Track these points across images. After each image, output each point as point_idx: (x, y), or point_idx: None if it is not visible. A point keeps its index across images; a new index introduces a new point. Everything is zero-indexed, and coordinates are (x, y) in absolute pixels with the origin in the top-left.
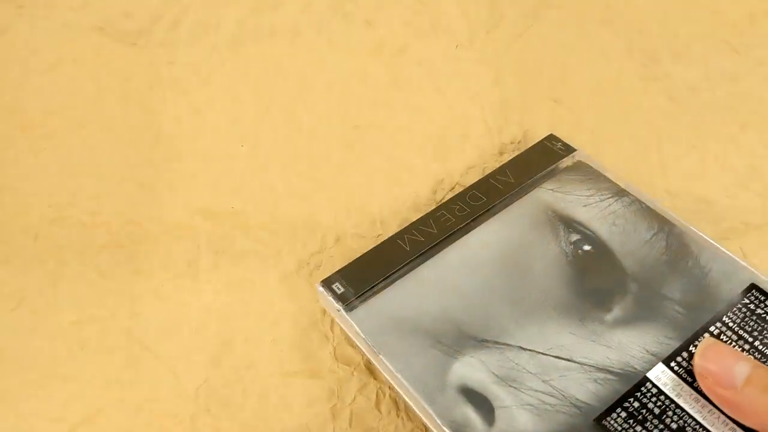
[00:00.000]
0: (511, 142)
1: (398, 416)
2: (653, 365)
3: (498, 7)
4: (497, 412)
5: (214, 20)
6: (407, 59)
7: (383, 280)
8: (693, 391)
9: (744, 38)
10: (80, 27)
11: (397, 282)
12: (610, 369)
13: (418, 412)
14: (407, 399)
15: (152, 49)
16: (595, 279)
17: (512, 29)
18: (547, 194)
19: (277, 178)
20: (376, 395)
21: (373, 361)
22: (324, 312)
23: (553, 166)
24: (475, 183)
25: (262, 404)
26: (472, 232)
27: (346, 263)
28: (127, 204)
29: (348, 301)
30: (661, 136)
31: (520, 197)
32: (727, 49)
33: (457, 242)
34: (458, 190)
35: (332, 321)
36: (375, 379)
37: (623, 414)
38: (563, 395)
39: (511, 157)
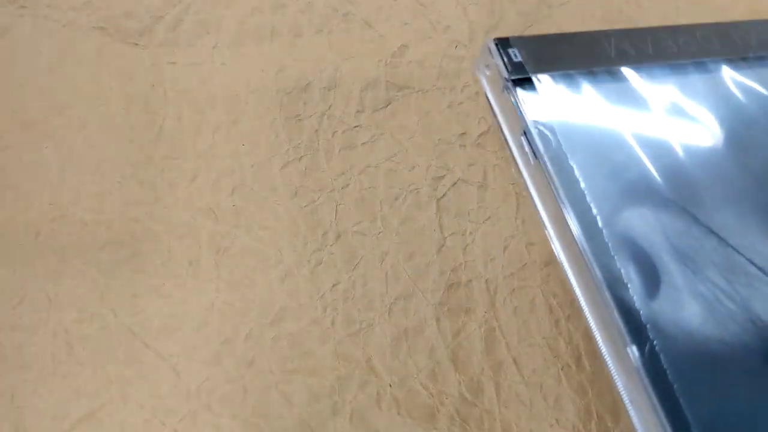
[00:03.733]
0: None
1: (399, 414)
2: None
3: (498, 7)
4: (663, 288)
5: (216, 20)
6: (407, 59)
7: (581, 71)
8: None
9: None
10: (82, 27)
11: (602, 83)
12: None
13: (561, 253)
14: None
15: (154, 48)
16: None
17: (512, 29)
18: None
19: (278, 177)
20: (377, 393)
21: (520, 164)
22: (325, 309)
23: None
24: (708, 24)
25: (263, 402)
26: (718, 67)
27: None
28: (128, 202)
29: (525, 75)
30: None
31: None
32: None
33: (692, 69)
34: (460, 185)
35: (332, 320)
36: (376, 377)
37: None
38: (745, 306)
39: None
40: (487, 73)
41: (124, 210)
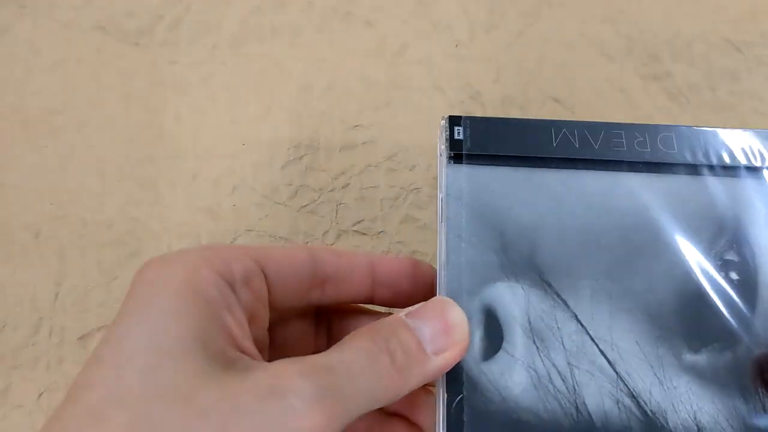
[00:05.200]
0: None
1: None
2: None
3: (498, 6)
4: (500, 355)
5: (216, 20)
6: (407, 59)
7: (510, 156)
8: None
9: (746, 36)
10: (82, 26)
11: (518, 168)
12: (643, 405)
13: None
14: (437, 269)
15: (154, 48)
16: (709, 313)
17: (513, 28)
18: (743, 195)
19: (278, 177)
20: None
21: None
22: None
23: None
24: (677, 126)
25: None
26: (629, 173)
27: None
28: (128, 202)
29: (458, 151)
30: None
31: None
32: (729, 47)
33: (603, 172)
34: None
35: None
36: None
37: None
38: (575, 390)
39: None
40: (441, 146)
41: (124, 209)
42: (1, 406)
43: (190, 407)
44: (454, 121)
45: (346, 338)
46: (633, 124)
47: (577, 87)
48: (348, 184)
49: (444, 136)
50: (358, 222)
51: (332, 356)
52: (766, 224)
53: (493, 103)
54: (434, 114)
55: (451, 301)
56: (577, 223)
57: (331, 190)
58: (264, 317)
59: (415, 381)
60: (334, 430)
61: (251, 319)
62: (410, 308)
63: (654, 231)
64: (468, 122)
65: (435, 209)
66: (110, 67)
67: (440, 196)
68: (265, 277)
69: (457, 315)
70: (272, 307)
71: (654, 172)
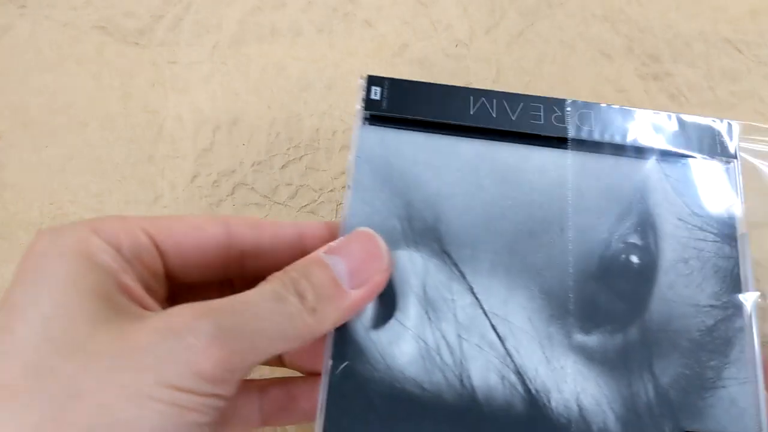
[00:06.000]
0: None
1: None
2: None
3: (498, 6)
4: (389, 323)
5: (216, 20)
6: (407, 59)
7: (423, 122)
8: None
9: (746, 36)
10: (82, 26)
11: (432, 135)
12: (527, 383)
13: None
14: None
15: (154, 48)
16: (605, 295)
17: (513, 28)
18: (660, 175)
19: (278, 177)
20: None
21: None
22: None
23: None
24: (597, 104)
25: None
26: (543, 148)
27: (404, 78)
28: (128, 202)
29: (374, 112)
30: None
31: (636, 157)
32: (729, 47)
33: (518, 144)
34: None
35: None
36: None
37: None
38: (461, 363)
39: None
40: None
41: (124, 209)
42: None
43: (83, 351)
44: (373, 81)
45: (261, 282)
46: (552, 98)
47: (577, 87)
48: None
49: (361, 95)
50: None
51: (235, 299)
52: (671, 209)
53: None
54: None
55: (372, 232)
56: (485, 195)
57: (331, 190)
58: (158, 290)
59: (330, 319)
60: (238, 368)
61: (146, 290)
62: (332, 243)
63: (560, 208)
64: (387, 83)
65: None
66: (110, 66)
67: (350, 157)
68: (161, 251)
69: (377, 243)
70: (172, 280)
71: (567, 148)
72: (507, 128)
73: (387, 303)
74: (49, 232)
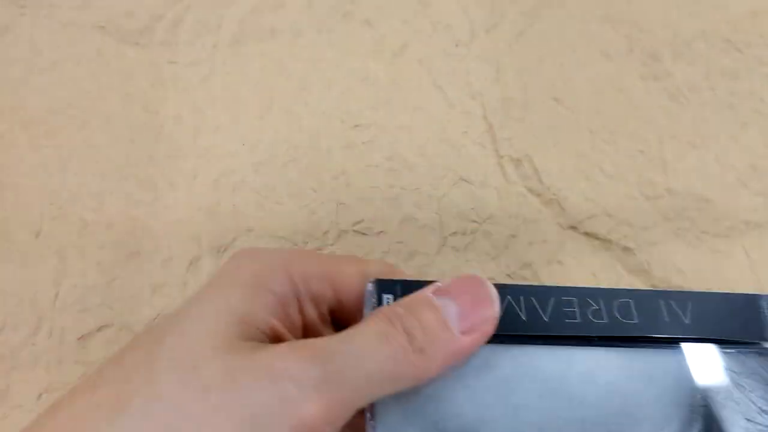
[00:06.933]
0: (509, 138)
1: None
2: None
3: (498, 6)
4: None
5: (215, 19)
6: (407, 59)
7: None
8: None
9: (745, 36)
10: (82, 26)
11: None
12: None
13: None
14: None
15: (153, 48)
16: None
17: (513, 28)
18: (719, 368)
19: (278, 177)
20: None
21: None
22: None
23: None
24: (635, 291)
25: None
26: (583, 349)
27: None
28: (128, 202)
29: None
30: (662, 135)
31: (679, 349)
32: (729, 47)
33: (557, 346)
34: (461, 185)
35: None
36: None
37: None
38: None
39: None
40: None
41: (124, 209)
42: (1, 407)
43: (196, 380)
44: (383, 287)
45: (363, 320)
46: (585, 288)
47: (577, 87)
48: (349, 184)
49: (371, 304)
50: (358, 222)
51: (341, 338)
52: (737, 409)
53: (493, 103)
54: (434, 114)
55: (481, 277)
56: (530, 414)
57: (332, 190)
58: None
59: (438, 363)
60: (338, 417)
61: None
62: (438, 283)
63: (617, 423)
64: (399, 288)
65: (435, 208)
66: (110, 66)
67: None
68: (336, 299)
69: (488, 290)
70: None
71: (613, 346)
72: (541, 332)
73: None
74: (249, 252)
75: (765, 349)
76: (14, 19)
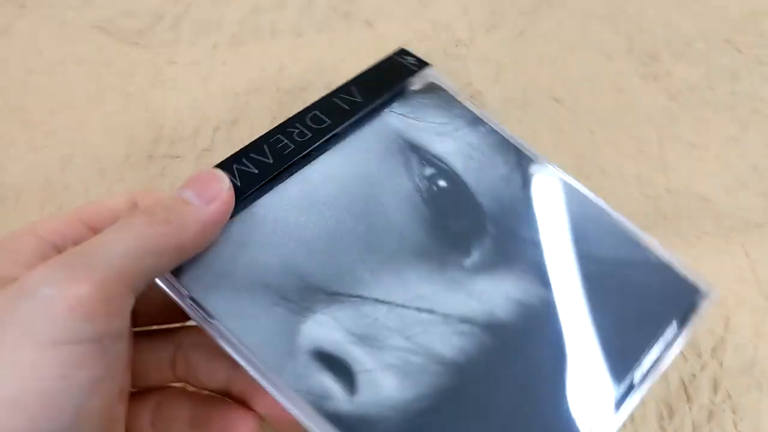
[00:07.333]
0: None
1: None
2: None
3: (498, 6)
4: (359, 378)
5: (216, 19)
6: None
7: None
8: None
9: (745, 37)
10: (82, 26)
11: (226, 225)
12: (474, 320)
13: (265, 386)
14: (250, 371)
15: (154, 48)
16: (452, 219)
17: (513, 28)
18: (398, 120)
19: None
20: None
21: (205, 328)
22: None
23: (403, 85)
24: (316, 101)
25: None
26: (313, 163)
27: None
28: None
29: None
30: (662, 135)
31: (368, 122)
32: (729, 47)
33: (297, 175)
34: None
35: None
36: None
37: None
38: (429, 353)
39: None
40: None
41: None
42: None
43: None
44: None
45: None
46: (281, 123)
47: (577, 87)
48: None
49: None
50: None
51: (90, 240)
52: (424, 135)
53: (493, 103)
54: None
55: (207, 170)
56: (320, 216)
57: None
58: None
59: (192, 230)
60: (114, 294)
61: None
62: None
63: (376, 182)
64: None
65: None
66: (110, 66)
67: (186, 304)
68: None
69: (212, 172)
70: None
71: (327, 149)
72: (271, 174)
73: (341, 368)
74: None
75: (409, 90)
76: (14, 18)
